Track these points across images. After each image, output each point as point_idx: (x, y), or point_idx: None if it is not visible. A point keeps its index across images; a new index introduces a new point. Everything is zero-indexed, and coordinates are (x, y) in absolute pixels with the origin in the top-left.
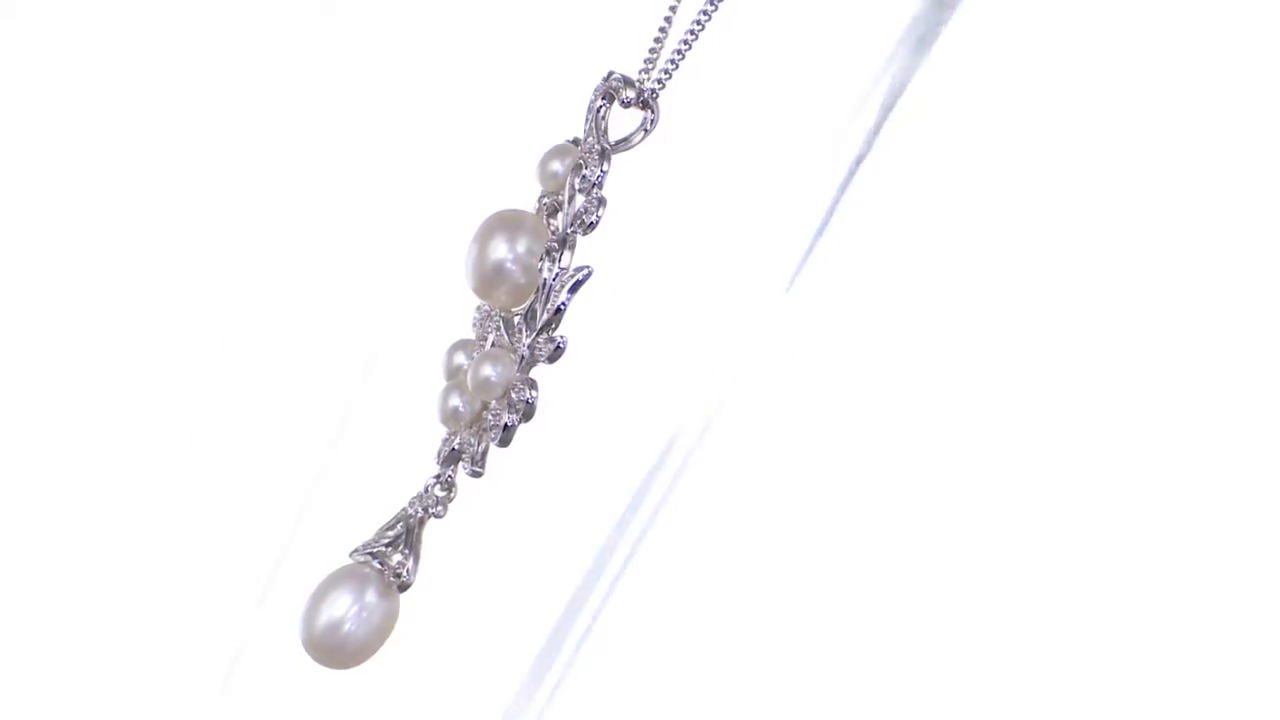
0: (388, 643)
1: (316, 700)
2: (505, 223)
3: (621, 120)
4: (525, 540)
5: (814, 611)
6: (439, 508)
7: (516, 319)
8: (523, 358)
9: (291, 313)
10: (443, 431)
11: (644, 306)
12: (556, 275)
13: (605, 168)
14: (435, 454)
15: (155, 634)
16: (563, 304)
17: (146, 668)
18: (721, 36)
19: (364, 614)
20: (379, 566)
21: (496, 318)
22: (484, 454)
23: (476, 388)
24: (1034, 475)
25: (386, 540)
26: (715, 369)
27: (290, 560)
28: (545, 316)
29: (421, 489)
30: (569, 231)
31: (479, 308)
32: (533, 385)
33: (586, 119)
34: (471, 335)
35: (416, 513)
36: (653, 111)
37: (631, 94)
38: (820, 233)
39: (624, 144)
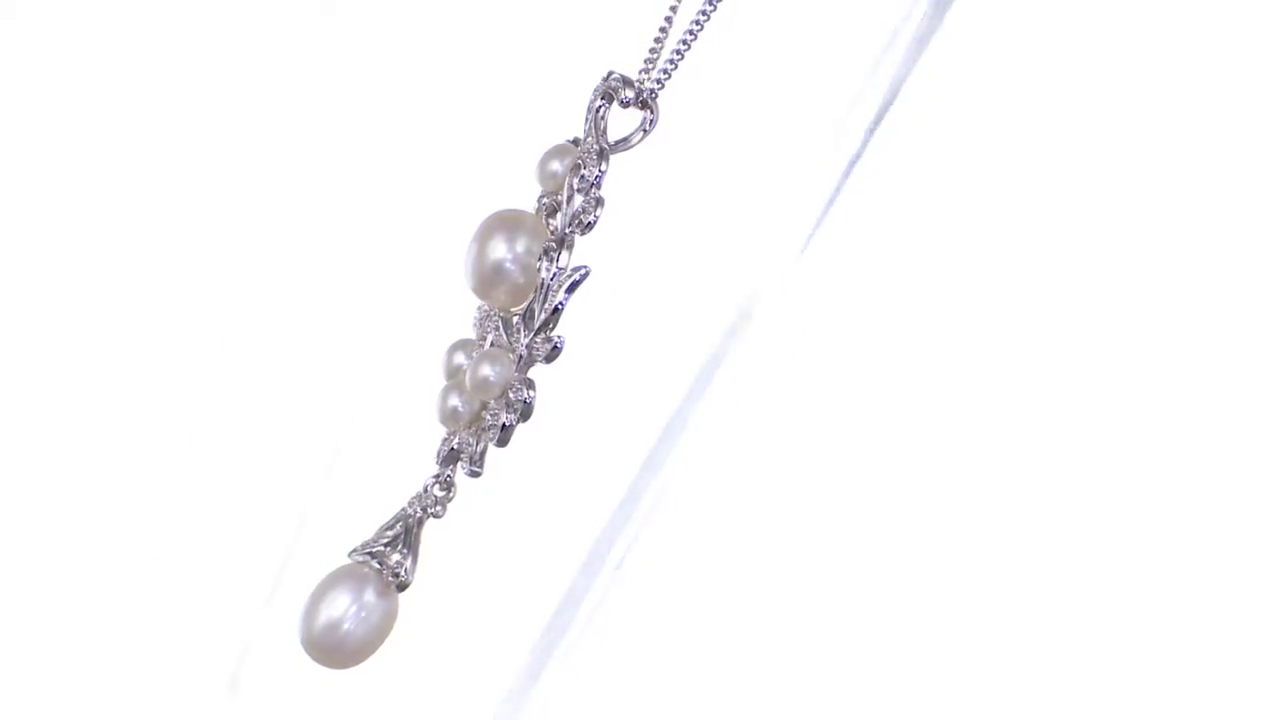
0: (388, 642)
1: (322, 700)
2: (504, 222)
3: (623, 120)
4: (524, 539)
5: (810, 608)
6: (438, 507)
7: (515, 319)
8: (521, 358)
9: (293, 313)
10: (443, 431)
11: (642, 306)
12: (554, 275)
13: (603, 168)
14: (435, 454)
15: (162, 635)
16: (560, 304)
17: (154, 668)
18: (721, 37)
19: (363, 613)
20: (378, 566)
21: (495, 317)
22: (482, 454)
23: (475, 387)
24: (1027, 474)
25: (385, 540)
26: (713, 368)
27: (296, 561)
28: (543, 316)
29: (421, 489)
30: (567, 231)
31: (479, 307)
32: (530, 385)
33: (586, 119)
34: (472, 335)
35: (415, 512)
36: (652, 111)
37: (630, 94)
38: (817, 233)
39: (623, 144)
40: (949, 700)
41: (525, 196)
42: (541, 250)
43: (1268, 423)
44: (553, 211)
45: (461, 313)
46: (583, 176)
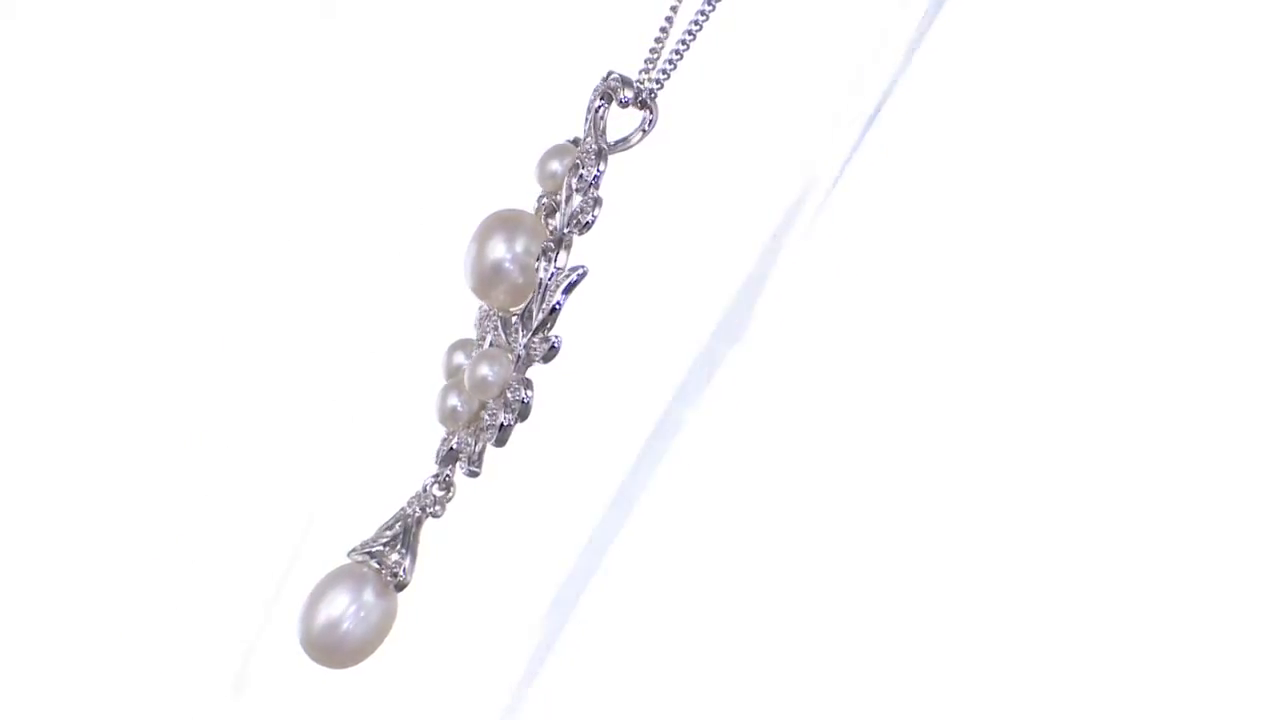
0: (388, 642)
1: (326, 701)
2: (504, 222)
3: (625, 121)
4: (522, 539)
5: (809, 606)
6: (437, 507)
7: (514, 319)
8: (519, 357)
9: (294, 314)
10: (443, 431)
11: (640, 306)
12: (552, 275)
13: (601, 168)
14: (434, 454)
15: (167, 636)
16: (558, 304)
17: (159, 669)
18: (720, 37)
19: (361, 613)
20: (376, 566)
21: (495, 317)
22: (481, 454)
23: (473, 387)
24: (1022, 474)
25: (384, 540)
26: (711, 368)
27: (300, 562)
28: (541, 316)
29: (420, 489)
30: (565, 231)
31: (480, 307)
32: (528, 385)
33: (585, 119)
34: (473, 335)
35: (414, 512)
36: (651, 111)
37: (629, 94)
38: (814, 233)
39: (622, 144)
40: (945, 699)
41: (525, 196)
42: (540, 250)
43: (1265, 420)
44: (552, 211)
45: (461, 313)
46: (581, 176)
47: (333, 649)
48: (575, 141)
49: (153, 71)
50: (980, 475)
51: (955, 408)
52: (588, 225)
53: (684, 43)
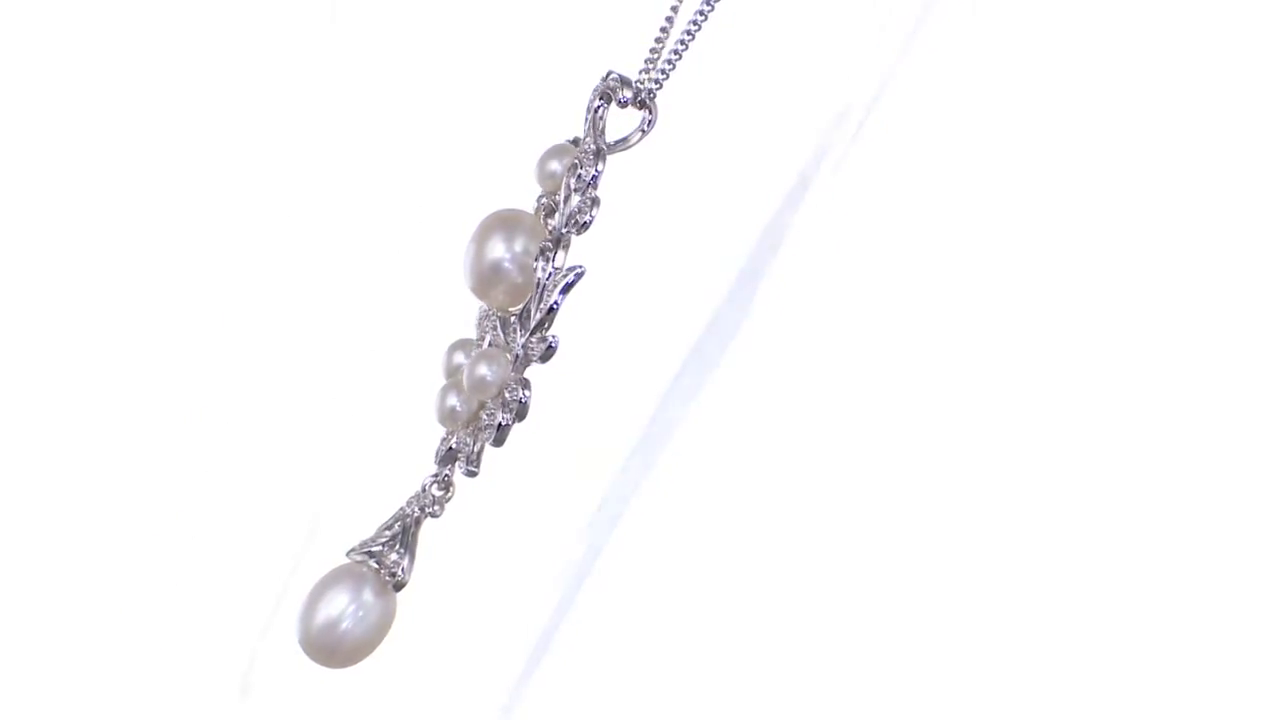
0: (390, 643)
1: (332, 702)
2: (503, 222)
3: (627, 121)
4: (520, 538)
5: (805, 603)
6: (436, 507)
7: (513, 319)
8: (517, 357)
9: (295, 314)
10: (443, 431)
11: (638, 305)
12: (550, 275)
13: (600, 168)
14: (433, 454)
15: (174, 638)
16: (555, 304)
17: (165, 671)
18: (718, 37)
19: (361, 613)
20: (375, 565)
21: (494, 317)
22: (479, 454)
23: (472, 387)
24: (1016, 474)
25: (384, 539)
26: (709, 368)
27: (305, 563)
28: (538, 316)
29: (419, 488)
30: (563, 231)
31: (481, 307)
32: (526, 385)
33: (585, 119)
34: (473, 335)
35: (413, 512)
36: (650, 112)
37: (628, 94)
38: (811, 233)
39: (621, 144)
40: (942, 699)
41: (525, 196)
42: (538, 250)
43: (1262, 416)
44: (551, 211)
45: (461, 313)
46: (579, 176)
47: (332, 649)
48: (575, 141)
49: (156, 73)
50: (978, 479)
51: (952, 408)
52: (586, 225)
53: (683, 43)
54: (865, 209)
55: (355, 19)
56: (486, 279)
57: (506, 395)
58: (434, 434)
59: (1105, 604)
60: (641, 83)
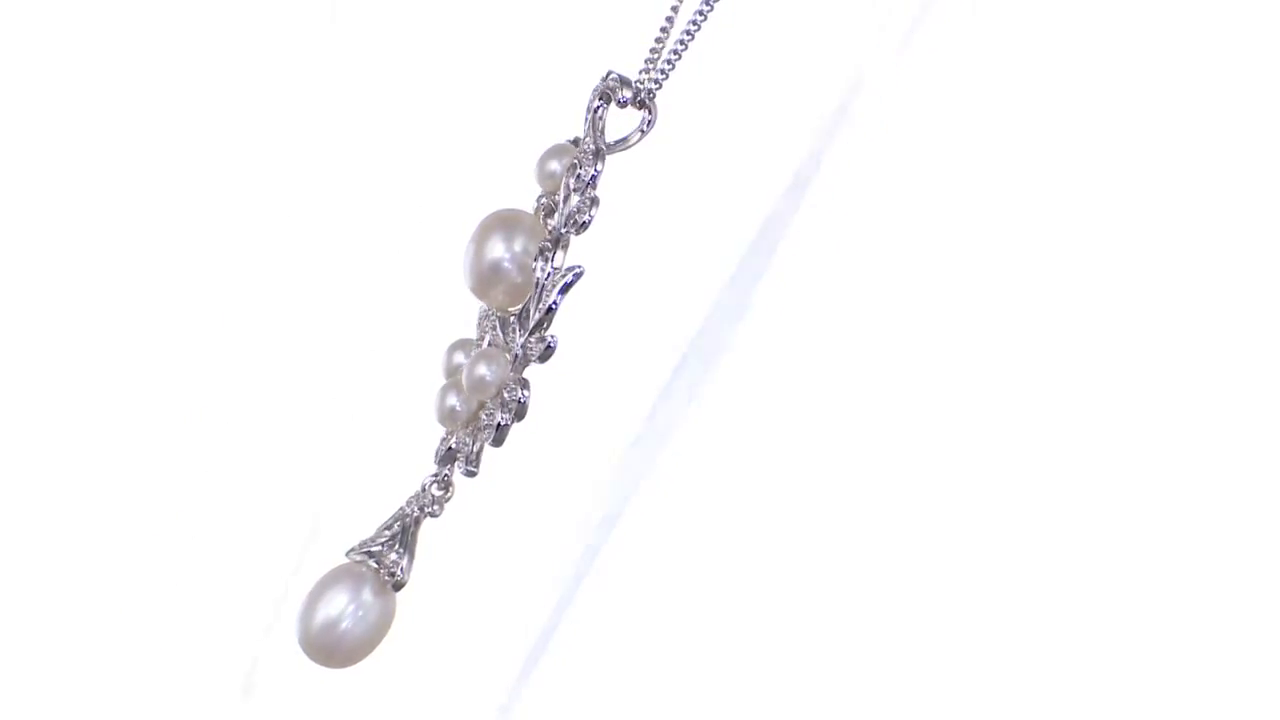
0: (392, 643)
1: (334, 703)
2: (503, 222)
3: (628, 121)
4: (518, 537)
5: (804, 602)
6: (435, 507)
7: (512, 319)
8: (516, 357)
9: (295, 314)
10: (443, 431)
11: (637, 305)
12: (549, 275)
13: (599, 167)
14: (434, 453)
15: (177, 639)
16: (554, 304)
17: (168, 671)
18: (718, 38)
19: (360, 612)
20: (375, 565)
21: (493, 317)
22: (478, 454)
23: (471, 387)
24: (1011, 474)
25: (383, 539)
26: (707, 367)
27: (307, 564)
28: (537, 316)
29: (419, 488)
30: (562, 231)
31: (481, 307)
32: (525, 385)
33: (585, 119)
34: (473, 335)
35: (413, 512)
36: (650, 112)
37: (628, 94)
38: (809, 233)
39: (621, 144)
40: (938, 698)
41: (525, 196)
42: (538, 250)
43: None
44: (550, 211)
45: (462, 313)
46: (579, 176)
47: (331, 649)
48: (575, 141)
49: (156, 73)
50: (976, 480)
51: (950, 407)
52: (585, 225)
53: (682, 43)
54: (864, 209)
55: (355, 19)
56: (486, 279)
57: (505, 395)
58: (434, 434)
59: (1103, 601)
60: (641, 83)
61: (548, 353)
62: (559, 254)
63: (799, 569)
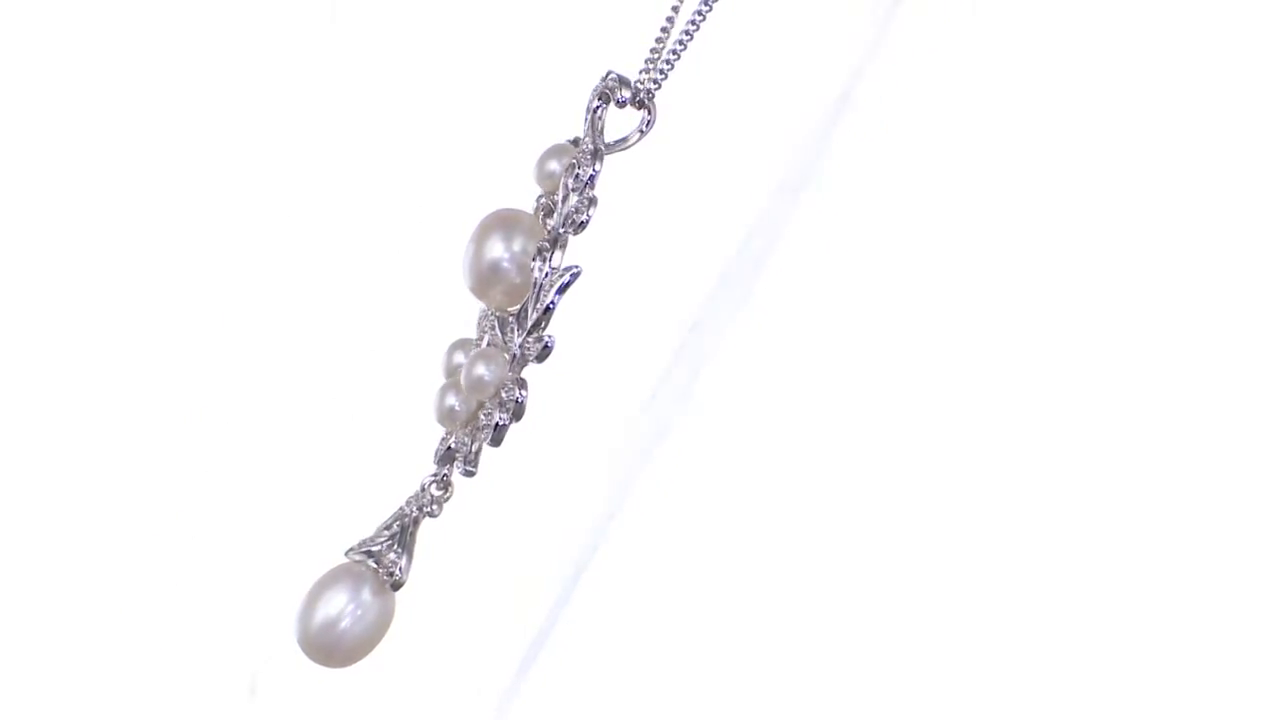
0: (395, 643)
1: (340, 702)
2: (502, 222)
3: (630, 121)
4: (516, 537)
5: (802, 598)
6: (434, 506)
7: (511, 319)
8: (514, 357)
9: (296, 314)
10: (442, 431)
11: (636, 305)
12: (547, 275)
13: (597, 167)
14: (433, 453)
15: (184, 638)
16: (551, 304)
17: (175, 671)
18: (717, 38)
19: (359, 612)
20: (374, 565)
21: (492, 317)
22: (477, 454)
23: (470, 387)
24: (1008, 474)
25: (383, 539)
26: (705, 367)
27: (306, 565)
28: (535, 316)
29: (418, 488)
30: (560, 231)
31: (482, 306)
32: (522, 385)
33: (585, 119)
34: (473, 335)
35: (412, 512)
36: (649, 112)
37: (627, 94)
38: (806, 234)
39: (620, 144)
40: (936, 697)
41: (526, 196)
42: (536, 250)
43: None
44: (550, 211)
45: (462, 313)
46: (577, 176)
47: (330, 648)
48: (575, 141)
49: (156, 73)
50: (974, 481)
51: (948, 406)
52: (583, 225)
53: (681, 43)
54: (861, 209)
55: (355, 19)
56: (485, 279)
57: (503, 395)
58: (433, 434)
59: (1101, 598)
60: (641, 83)
61: (545, 352)
62: (557, 254)
63: (795, 567)
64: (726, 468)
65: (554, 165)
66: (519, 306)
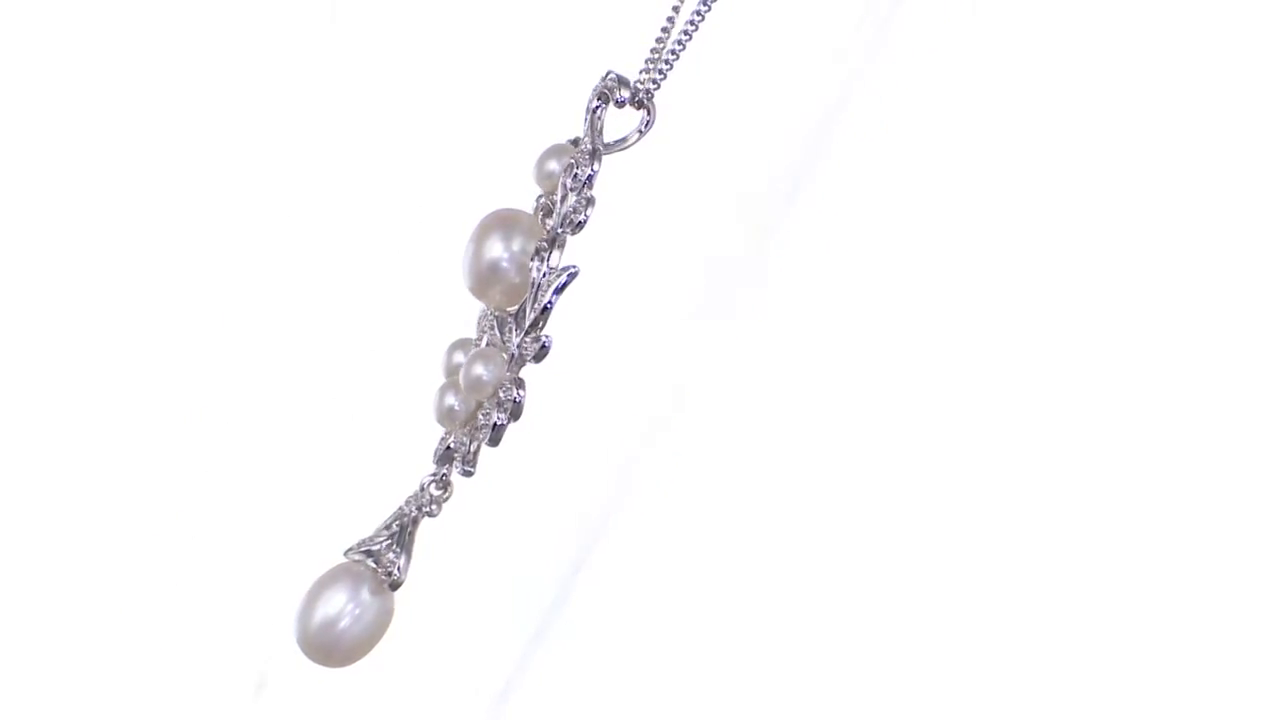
0: (397, 643)
1: (346, 701)
2: (501, 222)
3: (631, 120)
4: (516, 536)
5: (801, 599)
6: (433, 506)
7: (510, 318)
8: (512, 356)
9: (296, 314)
10: (442, 430)
11: (635, 305)
12: (545, 275)
13: (595, 167)
14: (433, 453)
15: (189, 639)
16: (548, 304)
17: (181, 669)
18: (716, 38)
19: (358, 611)
20: (373, 565)
21: (491, 317)
22: (475, 453)
23: (468, 387)
24: (1005, 475)
25: (382, 538)
26: (702, 366)
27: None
28: (532, 316)
29: (418, 488)
30: (558, 231)
31: (482, 306)
32: (520, 385)
33: (584, 119)
34: (474, 334)
35: (411, 511)
36: (649, 112)
37: (626, 94)
38: (804, 234)
39: (619, 144)
40: (934, 696)
41: (525, 196)
42: (534, 250)
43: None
44: (549, 211)
45: (462, 313)
46: (575, 176)
47: (330, 648)
48: (575, 142)
49: (156, 73)
50: (972, 483)
51: (948, 407)
52: (580, 225)
53: (680, 43)
54: (860, 210)
55: (355, 19)
56: (484, 279)
57: (501, 395)
58: (433, 434)
59: (1100, 599)
60: (640, 83)
61: (542, 352)
62: (555, 254)
63: (793, 567)
64: (725, 467)
65: (553, 165)
66: (518, 306)
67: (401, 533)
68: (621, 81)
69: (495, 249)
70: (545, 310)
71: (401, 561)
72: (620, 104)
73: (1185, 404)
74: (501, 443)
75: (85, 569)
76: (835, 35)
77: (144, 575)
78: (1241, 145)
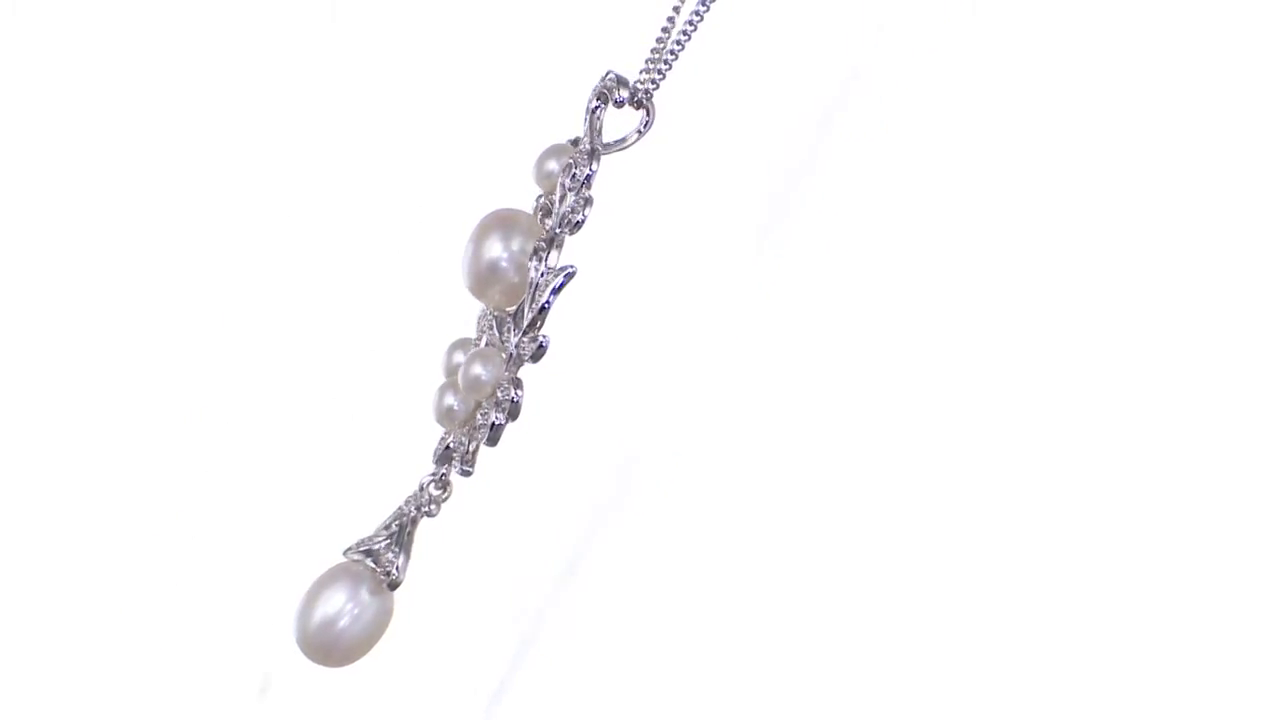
0: (398, 643)
1: (350, 701)
2: (500, 222)
3: (631, 120)
4: (516, 536)
5: (799, 601)
6: (432, 506)
7: (508, 318)
8: (511, 356)
9: (296, 314)
10: (441, 430)
11: (633, 305)
12: (543, 275)
13: (594, 167)
14: (432, 453)
15: (194, 639)
16: (546, 304)
17: (186, 670)
18: (715, 39)
19: (357, 611)
20: (372, 564)
21: (490, 317)
22: (474, 453)
23: (467, 386)
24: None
25: (381, 538)
26: (700, 365)
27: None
28: (530, 316)
29: (417, 488)
30: (557, 231)
31: (482, 306)
32: (518, 384)
33: (584, 119)
34: (473, 334)
35: (410, 511)
36: (648, 112)
37: (625, 94)
38: (803, 235)
39: (618, 144)
40: (932, 696)
41: (525, 196)
42: (533, 249)
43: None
44: (548, 211)
45: (462, 313)
46: (574, 176)
47: (329, 647)
48: (575, 141)
49: (157, 73)
50: (972, 485)
51: (947, 407)
52: (579, 225)
53: (679, 43)
54: (860, 210)
55: (355, 19)
56: (483, 279)
57: (499, 395)
58: (433, 434)
59: (1100, 600)
60: (640, 83)
61: (540, 352)
62: (553, 253)
63: (790, 568)
64: (722, 468)
65: (552, 165)
66: (516, 306)
67: (400, 532)
68: (621, 81)
69: (494, 249)
70: (543, 310)
71: (400, 561)
72: (619, 104)
73: (1186, 404)
74: (500, 442)
75: (88, 571)
76: (835, 35)
77: (145, 576)
78: (1242, 145)
